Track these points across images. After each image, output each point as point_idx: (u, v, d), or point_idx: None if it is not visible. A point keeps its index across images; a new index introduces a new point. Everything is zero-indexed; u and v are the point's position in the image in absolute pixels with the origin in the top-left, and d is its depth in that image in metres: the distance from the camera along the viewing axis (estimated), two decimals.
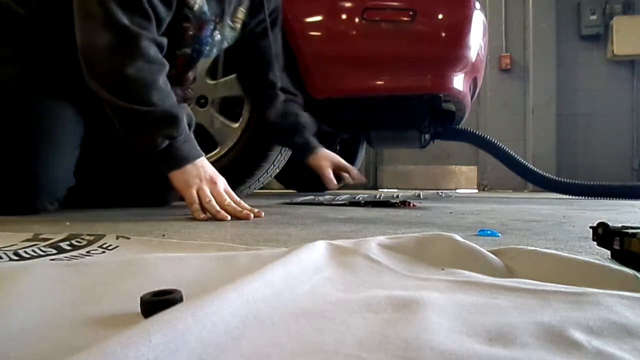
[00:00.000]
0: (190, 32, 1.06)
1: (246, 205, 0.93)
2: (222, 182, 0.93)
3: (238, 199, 0.94)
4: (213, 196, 0.90)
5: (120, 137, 0.92)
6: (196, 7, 1.02)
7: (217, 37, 1.14)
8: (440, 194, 1.44)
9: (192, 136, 0.93)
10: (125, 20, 0.87)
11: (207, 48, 1.14)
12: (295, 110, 1.42)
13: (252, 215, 0.90)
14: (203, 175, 0.91)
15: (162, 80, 0.91)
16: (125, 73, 0.86)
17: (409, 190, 3.79)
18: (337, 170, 1.44)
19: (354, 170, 1.48)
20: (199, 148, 0.94)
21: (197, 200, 0.89)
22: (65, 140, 1.03)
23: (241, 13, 1.19)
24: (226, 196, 0.92)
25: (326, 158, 1.43)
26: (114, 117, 0.90)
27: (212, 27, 1.10)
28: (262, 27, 1.29)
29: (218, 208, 0.88)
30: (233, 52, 1.30)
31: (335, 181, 1.41)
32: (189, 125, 0.92)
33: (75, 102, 1.06)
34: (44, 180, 0.99)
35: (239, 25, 1.20)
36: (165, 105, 0.88)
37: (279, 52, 1.39)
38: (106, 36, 0.87)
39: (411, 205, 1.33)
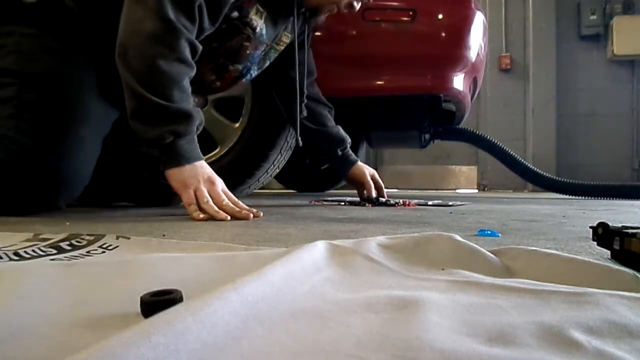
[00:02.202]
0: (248, 51, 1.15)
1: (244, 206, 0.93)
2: (220, 183, 0.93)
3: (236, 199, 0.94)
4: (211, 196, 0.89)
5: (130, 135, 0.92)
6: (258, 29, 1.11)
7: (261, 56, 1.22)
8: (450, 203, 1.46)
9: (196, 139, 0.94)
10: (172, 15, 0.90)
11: (255, 67, 1.22)
12: (333, 122, 1.46)
13: (251, 215, 0.90)
14: (201, 175, 0.91)
15: (186, 82, 0.93)
16: (157, 64, 0.88)
17: (409, 190, 3.79)
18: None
19: (380, 187, 1.51)
20: (200, 152, 0.94)
21: (194, 201, 0.89)
22: (91, 137, 1.04)
23: (286, 37, 1.26)
24: (224, 197, 0.91)
25: (366, 168, 1.48)
26: (130, 101, 0.90)
27: (263, 48, 1.19)
28: (299, 40, 1.36)
29: (216, 208, 0.88)
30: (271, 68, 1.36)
31: (374, 190, 1.46)
32: (196, 129, 0.93)
33: (108, 99, 1.07)
34: (66, 176, 0.99)
35: (281, 48, 1.27)
36: (182, 104, 0.90)
37: (313, 66, 1.46)
38: (151, 25, 0.89)
39: (411, 205, 1.33)
